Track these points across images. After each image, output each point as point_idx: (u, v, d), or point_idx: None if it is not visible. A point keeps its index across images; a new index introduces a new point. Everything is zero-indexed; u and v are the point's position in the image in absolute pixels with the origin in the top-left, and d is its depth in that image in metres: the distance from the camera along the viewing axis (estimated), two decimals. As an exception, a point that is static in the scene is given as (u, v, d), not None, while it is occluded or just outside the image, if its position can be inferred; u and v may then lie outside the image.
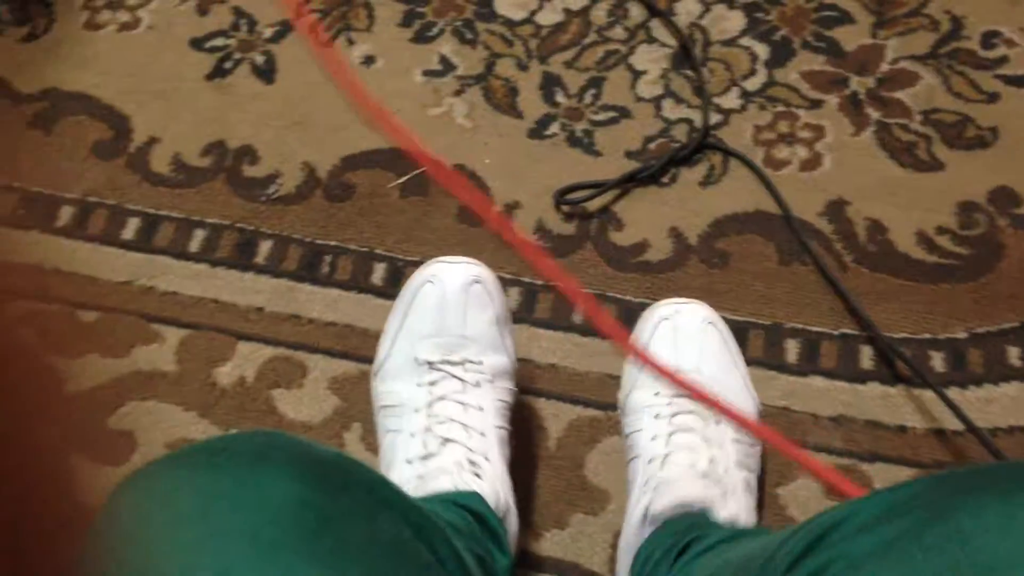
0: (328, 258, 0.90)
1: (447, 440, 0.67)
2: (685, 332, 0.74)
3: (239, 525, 0.41)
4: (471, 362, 0.71)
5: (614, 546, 0.74)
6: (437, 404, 0.69)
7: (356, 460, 0.49)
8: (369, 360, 0.76)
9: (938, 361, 0.80)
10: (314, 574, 0.41)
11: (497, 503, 0.65)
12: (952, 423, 0.75)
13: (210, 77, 1.02)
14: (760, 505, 0.72)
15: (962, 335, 0.81)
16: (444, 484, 0.64)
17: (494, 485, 0.65)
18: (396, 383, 0.71)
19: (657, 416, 0.70)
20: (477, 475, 0.65)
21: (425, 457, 0.66)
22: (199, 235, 0.92)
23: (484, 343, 0.72)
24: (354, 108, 0.97)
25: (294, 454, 0.45)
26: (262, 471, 0.43)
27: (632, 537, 0.68)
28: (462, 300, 0.72)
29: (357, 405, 0.81)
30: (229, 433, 0.61)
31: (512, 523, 0.67)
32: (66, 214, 0.93)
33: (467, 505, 0.63)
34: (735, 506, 0.65)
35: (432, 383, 0.70)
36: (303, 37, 1.03)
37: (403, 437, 0.68)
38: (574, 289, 0.77)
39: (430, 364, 0.70)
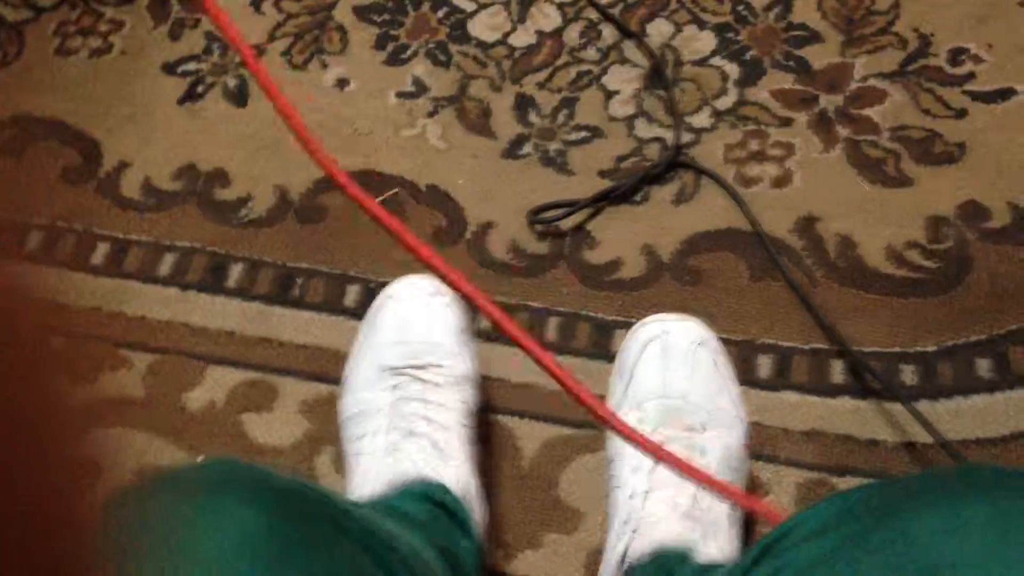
0: (300, 280, 0.89)
1: (410, 432, 0.67)
2: (674, 355, 0.71)
3: (201, 555, 0.41)
4: (434, 366, 0.71)
5: (587, 565, 0.73)
6: (400, 403, 0.69)
7: (316, 488, 0.49)
8: (341, 383, 0.75)
9: (908, 374, 0.80)
10: None
11: (462, 489, 0.65)
12: (923, 436, 0.75)
13: (182, 101, 1.02)
14: (746, 526, 0.70)
15: (931, 348, 0.81)
16: (408, 472, 0.65)
17: (457, 474, 0.66)
18: (360, 392, 0.72)
19: (637, 451, 0.68)
20: (441, 463, 0.66)
21: (388, 450, 0.67)
22: (169, 259, 0.91)
23: (447, 349, 0.73)
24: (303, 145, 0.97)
25: (255, 484, 0.45)
26: (223, 501, 0.43)
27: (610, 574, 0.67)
28: (424, 311, 0.73)
29: (328, 428, 0.81)
30: (188, 464, 0.61)
31: (477, 507, 0.68)
32: (34, 239, 0.93)
33: (430, 495, 0.63)
34: (714, 547, 0.63)
35: (395, 386, 0.70)
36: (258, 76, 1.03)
37: (367, 438, 0.69)
38: (532, 346, 0.74)
39: (394, 369, 0.71)
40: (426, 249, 0.72)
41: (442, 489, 0.65)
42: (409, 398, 0.70)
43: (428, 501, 0.63)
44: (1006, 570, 0.37)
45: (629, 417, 0.69)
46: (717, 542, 0.64)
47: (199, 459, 0.79)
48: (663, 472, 0.65)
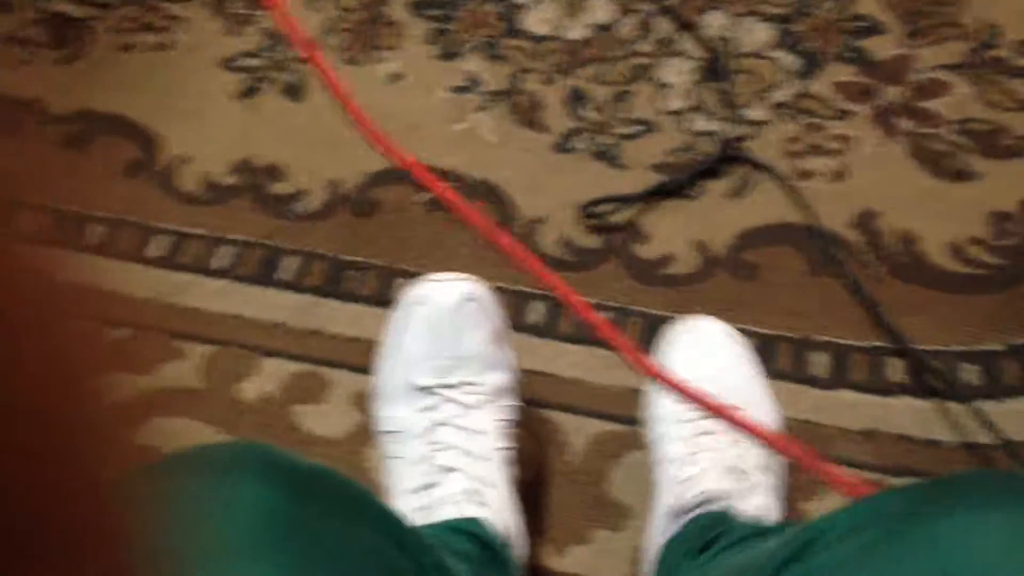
0: (352, 273, 0.90)
1: (449, 469, 0.65)
2: (706, 344, 0.73)
3: (215, 529, 0.41)
4: (469, 384, 0.68)
5: (635, 562, 0.72)
6: (437, 430, 0.67)
7: (338, 473, 0.49)
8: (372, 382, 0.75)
9: (972, 374, 0.78)
10: None
11: (504, 531, 0.64)
12: (984, 436, 0.73)
13: (239, 96, 1.03)
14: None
15: (995, 347, 0.78)
16: (448, 513, 0.63)
17: (500, 512, 0.64)
18: (394, 408, 0.70)
19: (680, 421, 0.69)
20: (481, 503, 0.64)
21: (427, 487, 0.65)
22: (224, 252, 0.92)
23: (481, 362, 0.69)
24: (366, 137, 0.98)
25: (266, 463, 0.45)
26: (234, 478, 0.43)
27: (657, 534, 0.67)
28: (455, 320, 0.69)
29: (379, 420, 0.81)
30: (205, 443, 0.62)
31: (518, 548, 0.66)
32: (95, 232, 0.95)
33: (471, 532, 0.62)
34: (760, 500, 0.64)
35: (430, 408, 0.68)
36: (316, 72, 1.04)
37: (404, 464, 0.67)
38: (589, 311, 0.77)
39: (427, 389, 0.68)
40: (495, 232, 0.73)
41: (484, 529, 0.63)
42: (444, 423, 0.67)
43: (469, 536, 0.62)
44: None
45: (669, 400, 0.71)
46: (762, 499, 0.65)
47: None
48: (704, 439, 0.67)
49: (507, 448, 0.69)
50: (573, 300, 0.84)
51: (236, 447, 0.47)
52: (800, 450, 0.69)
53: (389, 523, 0.49)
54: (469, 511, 0.63)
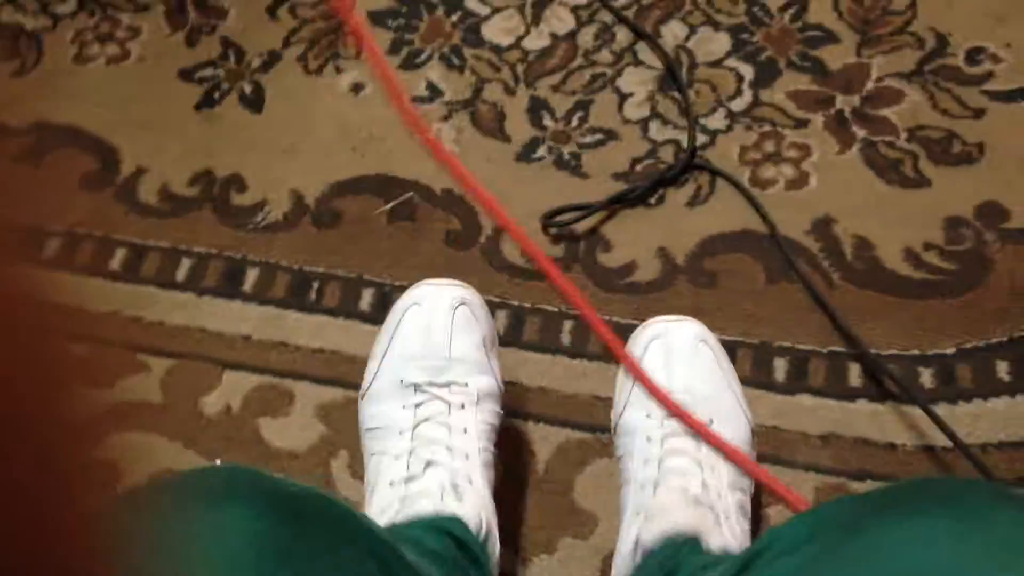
0: (316, 284, 0.90)
1: (430, 462, 0.66)
2: (677, 351, 0.73)
3: (205, 556, 0.41)
4: (456, 384, 0.70)
5: (603, 570, 0.73)
6: (422, 426, 0.68)
7: (323, 494, 0.50)
8: (357, 386, 0.75)
9: (927, 377, 0.79)
10: None
11: (479, 528, 0.64)
12: (941, 439, 0.75)
13: (198, 107, 1.02)
14: (755, 524, 0.71)
15: (950, 351, 0.80)
16: (426, 507, 0.64)
17: (476, 509, 0.65)
18: (381, 405, 0.71)
19: (649, 439, 0.69)
20: (459, 499, 0.65)
21: (408, 479, 0.66)
22: (186, 264, 0.92)
23: (470, 365, 0.71)
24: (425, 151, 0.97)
25: (255, 489, 0.45)
26: (223, 507, 0.43)
27: (623, 567, 0.67)
28: (448, 322, 0.71)
29: (344, 432, 0.81)
30: (193, 468, 0.62)
31: (494, 547, 0.67)
32: (53, 245, 0.93)
33: (448, 530, 0.62)
34: (728, 533, 0.64)
35: (417, 405, 0.69)
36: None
37: (387, 459, 0.68)
38: (577, 295, 0.77)
39: (415, 386, 0.70)
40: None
41: (460, 526, 0.64)
42: (431, 420, 0.68)
43: (445, 535, 0.63)
44: (971, 574, 0.39)
45: (638, 414, 0.71)
46: (729, 532, 0.64)
47: (217, 463, 0.80)
48: (673, 461, 0.67)
49: (488, 450, 0.70)
50: (564, 285, 0.82)
51: (225, 472, 0.47)
52: (766, 475, 0.69)
53: (373, 544, 0.49)
54: (447, 506, 0.64)
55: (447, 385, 0.70)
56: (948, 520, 0.41)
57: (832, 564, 0.41)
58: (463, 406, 0.70)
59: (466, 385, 0.70)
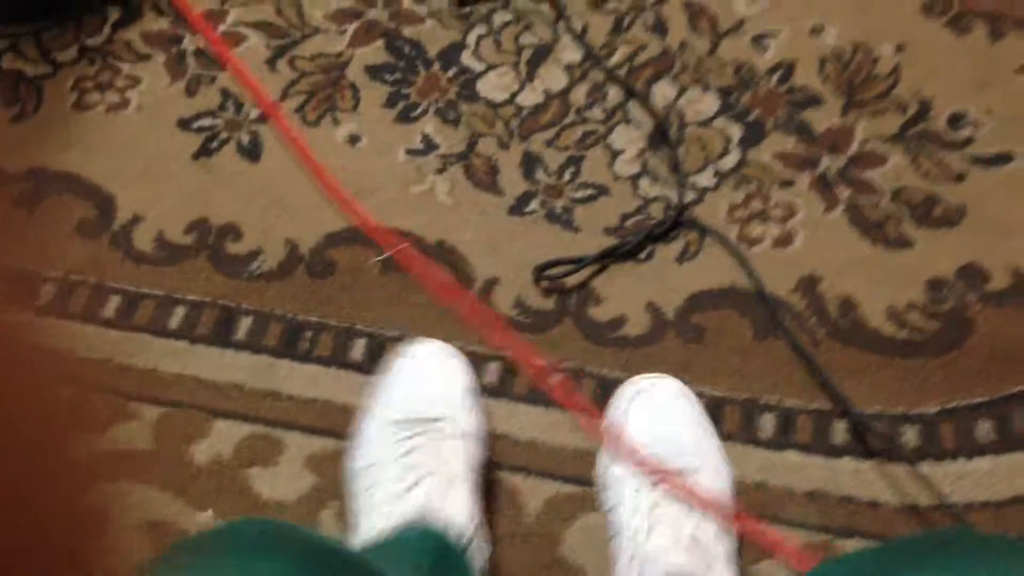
0: (308, 334, 0.90)
1: (417, 483, 0.70)
2: (662, 403, 0.76)
3: None
4: (443, 420, 0.75)
5: (590, 625, 0.73)
6: (411, 454, 0.73)
7: (345, 547, 0.52)
8: (348, 437, 0.76)
9: (911, 435, 0.81)
10: None
11: (464, 533, 0.68)
12: (924, 498, 0.76)
13: (196, 156, 1.04)
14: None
15: (933, 410, 0.82)
16: (411, 514, 0.68)
17: (461, 514, 0.69)
18: (372, 447, 0.75)
19: (637, 490, 0.71)
20: (444, 503, 0.69)
21: (397, 495, 0.70)
22: (180, 312, 0.92)
23: (456, 405, 0.77)
24: (327, 194, 0.99)
25: (286, 542, 0.48)
26: (257, 559, 0.45)
27: None
28: (435, 368, 0.78)
29: (334, 483, 0.81)
30: (223, 524, 0.65)
31: (479, 551, 0.70)
32: (47, 292, 0.94)
33: (433, 536, 0.66)
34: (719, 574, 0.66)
35: (407, 438, 0.74)
36: (279, 130, 1.05)
37: (376, 488, 0.72)
38: (544, 371, 0.80)
39: (405, 422, 0.75)
40: (452, 293, 0.79)
41: (444, 531, 0.67)
42: (419, 449, 0.73)
43: (430, 542, 0.66)
44: None
45: (624, 466, 0.74)
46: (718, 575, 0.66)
47: (207, 512, 0.80)
48: (662, 510, 0.69)
49: (475, 474, 0.75)
50: (530, 363, 0.86)
51: (257, 525, 0.50)
52: (749, 524, 0.71)
53: None
54: (432, 513, 0.68)
55: (434, 420, 0.75)
56: (986, 569, 0.42)
57: None
58: (449, 438, 0.74)
59: (453, 421, 0.75)
